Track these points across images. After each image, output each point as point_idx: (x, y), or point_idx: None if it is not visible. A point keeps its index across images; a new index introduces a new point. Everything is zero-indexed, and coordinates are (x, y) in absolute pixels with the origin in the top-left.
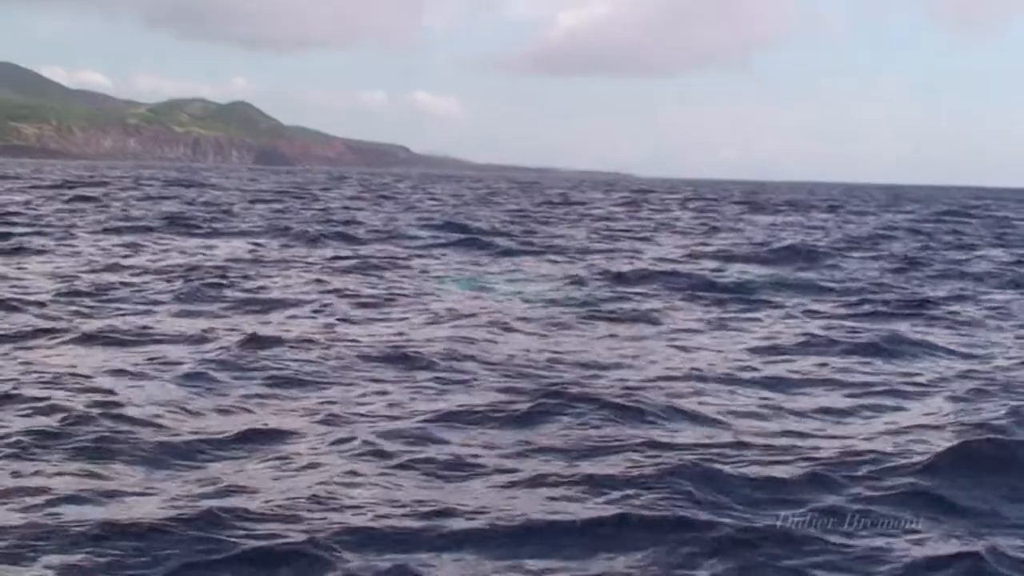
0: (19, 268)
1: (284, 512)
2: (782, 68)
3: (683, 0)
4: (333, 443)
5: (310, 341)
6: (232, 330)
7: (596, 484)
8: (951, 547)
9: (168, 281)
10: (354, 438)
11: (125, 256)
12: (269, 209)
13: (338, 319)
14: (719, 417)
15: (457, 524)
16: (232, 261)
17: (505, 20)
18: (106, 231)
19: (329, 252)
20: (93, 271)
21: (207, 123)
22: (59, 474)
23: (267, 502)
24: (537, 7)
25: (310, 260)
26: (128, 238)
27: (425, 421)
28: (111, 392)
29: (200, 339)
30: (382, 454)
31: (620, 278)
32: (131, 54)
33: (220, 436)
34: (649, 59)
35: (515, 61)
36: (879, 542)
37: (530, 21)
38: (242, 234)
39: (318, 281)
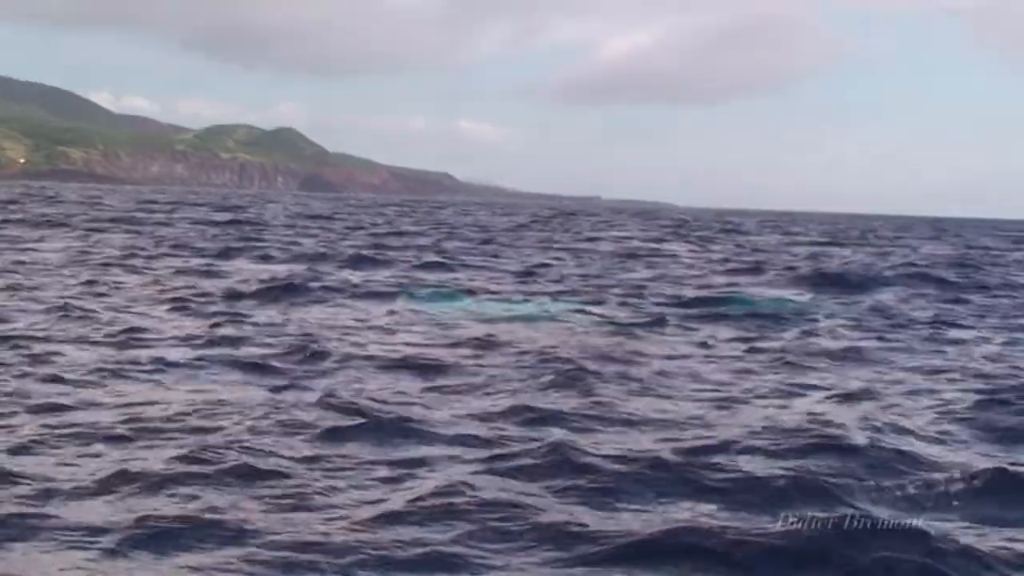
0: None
1: (292, 518)
2: (823, 97)
3: (725, 27)
4: (348, 443)
5: (345, 356)
6: (260, 343)
7: (624, 492)
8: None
9: (198, 302)
10: (369, 440)
11: (159, 278)
12: (315, 232)
13: (370, 336)
14: (748, 423)
15: (476, 535)
16: (266, 282)
17: (548, 48)
18: (151, 256)
19: (365, 274)
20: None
21: (253, 149)
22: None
23: (273, 503)
24: (579, 34)
25: (349, 281)
26: (168, 262)
27: (441, 424)
28: (155, 401)
29: (218, 345)
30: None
31: (659, 301)
32: (176, 79)
33: (240, 432)
34: (690, 87)
35: (557, 89)
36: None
37: (572, 49)
38: (282, 259)
39: (352, 305)
